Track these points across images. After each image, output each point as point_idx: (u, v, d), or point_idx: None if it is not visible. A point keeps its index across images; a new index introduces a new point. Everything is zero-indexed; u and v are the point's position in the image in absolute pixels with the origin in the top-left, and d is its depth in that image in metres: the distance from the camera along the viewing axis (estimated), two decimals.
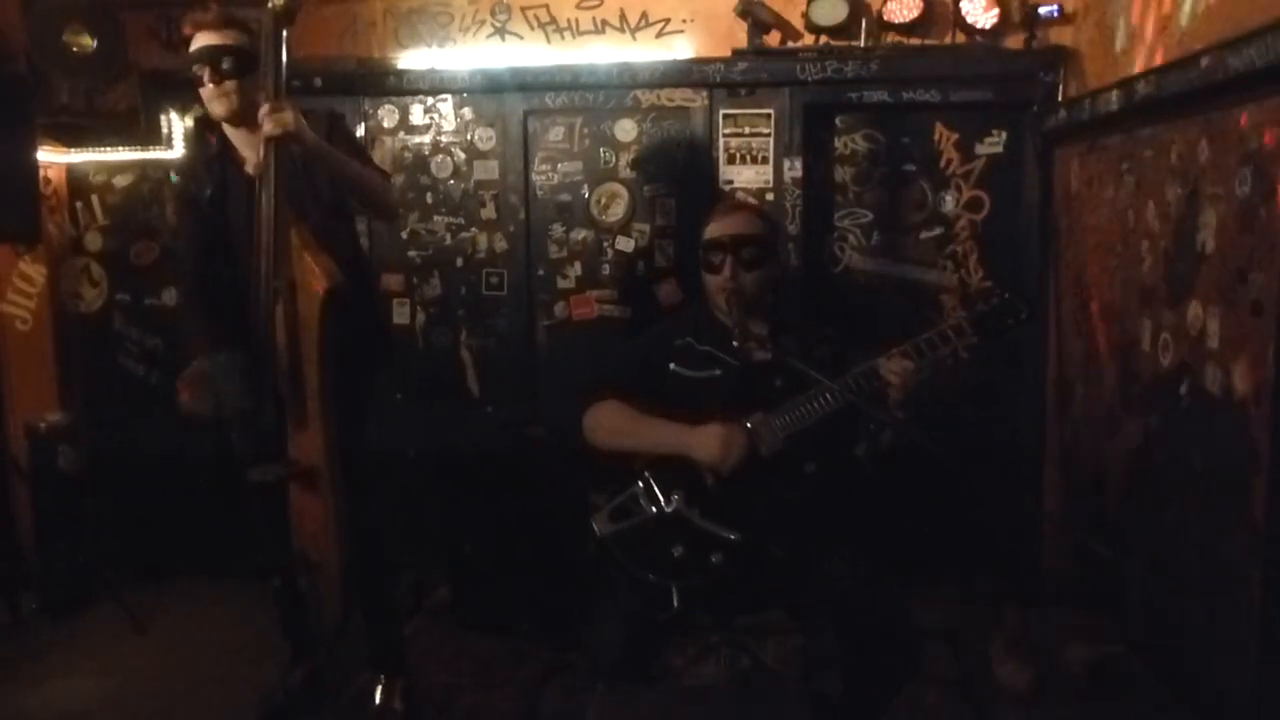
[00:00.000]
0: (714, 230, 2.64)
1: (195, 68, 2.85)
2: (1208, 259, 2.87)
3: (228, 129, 2.95)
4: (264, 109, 2.68)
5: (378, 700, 3.18)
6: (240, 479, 3.05)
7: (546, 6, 4.30)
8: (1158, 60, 3.05)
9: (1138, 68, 3.22)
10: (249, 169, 2.89)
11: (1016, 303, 2.40)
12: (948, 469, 2.28)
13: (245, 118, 2.87)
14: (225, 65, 2.82)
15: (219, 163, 2.96)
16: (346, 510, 2.83)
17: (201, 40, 2.85)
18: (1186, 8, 2.98)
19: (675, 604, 2.43)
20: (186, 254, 3.05)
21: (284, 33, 2.72)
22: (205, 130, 3.03)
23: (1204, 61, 2.65)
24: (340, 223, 3.00)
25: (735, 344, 2.52)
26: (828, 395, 2.38)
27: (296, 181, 2.81)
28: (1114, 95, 3.31)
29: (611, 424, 2.58)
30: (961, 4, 3.96)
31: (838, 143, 4.33)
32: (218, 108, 2.87)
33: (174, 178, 3.12)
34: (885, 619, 2.37)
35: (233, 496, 3.21)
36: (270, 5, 2.68)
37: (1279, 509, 2.56)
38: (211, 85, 2.84)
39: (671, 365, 2.62)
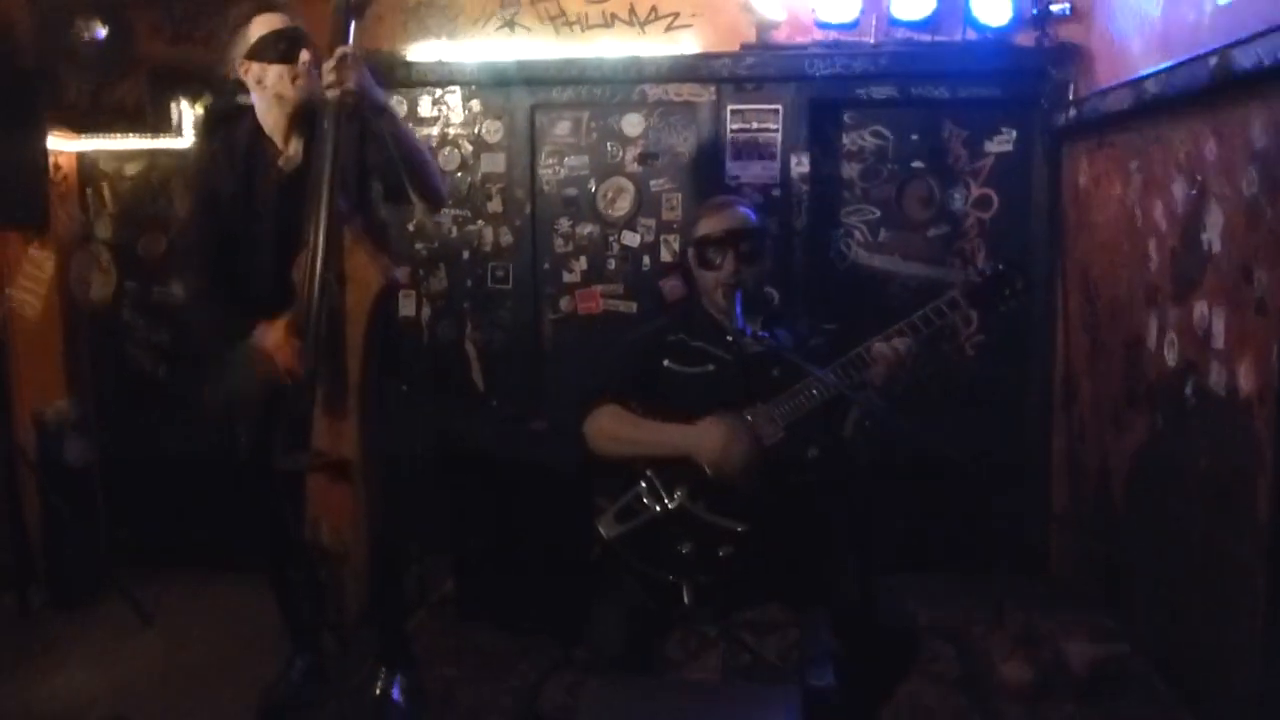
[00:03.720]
0: (710, 226, 2.64)
1: (258, 55, 2.81)
2: (1214, 258, 2.86)
3: (267, 116, 2.90)
4: (329, 64, 2.64)
5: (378, 692, 3.19)
6: (249, 474, 3.06)
7: (556, 0, 4.29)
8: (1167, 59, 3.04)
9: (1148, 66, 3.20)
10: (282, 163, 2.88)
11: (1012, 273, 2.37)
12: (949, 461, 2.28)
13: (297, 108, 2.86)
14: (296, 45, 2.80)
15: (246, 157, 2.92)
16: (379, 503, 2.84)
17: (273, 23, 2.82)
18: (1197, 6, 2.97)
19: (687, 600, 2.43)
20: (197, 248, 3.01)
21: (351, 30, 2.71)
22: (231, 122, 3.00)
23: (1212, 61, 2.64)
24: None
25: (729, 338, 2.52)
26: (824, 383, 2.38)
27: (347, 173, 2.79)
28: (1123, 93, 3.31)
29: (612, 431, 2.57)
30: (972, 0, 3.95)
31: (845, 139, 4.32)
32: (300, 87, 2.81)
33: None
34: (883, 613, 2.37)
35: (239, 493, 3.22)
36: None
37: None
38: (288, 66, 2.80)
39: (665, 362, 2.62)
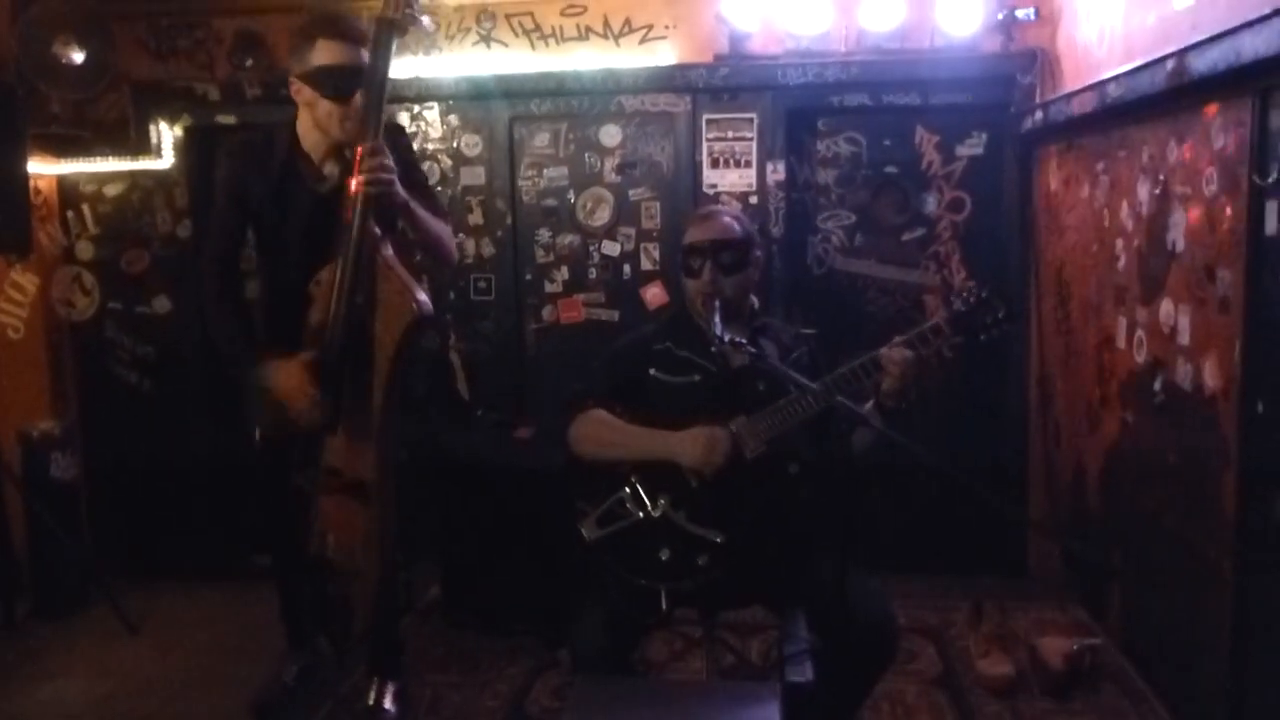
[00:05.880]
0: (694, 235, 2.68)
1: (314, 82, 2.79)
2: (1178, 257, 2.92)
3: (308, 136, 2.90)
4: (363, 157, 2.65)
5: (370, 700, 3.22)
6: (265, 481, 3.09)
7: (531, 14, 4.34)
8: (1129, 62, 3.10)
9: (1111, 69, 3.27)
10: (316, 184, 2.89)
11: (994, 301, 2.37)
12: (929, 468, 2.31)
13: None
14: (354, 84, 2.76)
15: (282, 169, 2.91)
16: (392, 525, 2.86)
17: (336, 55, 2.77)
18: (1157, 10, 3.04)
19: (664, 606, 2.47)
20: (216, 248, 2.99)
21: (393, 48, 2.73)
22: (269, 135, 2.97)
23: (1169, 64, 2.70)
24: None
25: (713, 349, 2.55)
26: (809, 398, 2.41)
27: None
28: (1087, 97, 3.36)
29: (597, 435, 2.60)
30: (940, 8, 4.01)
31: (820, 146, 4.38)
32: (348, 128, 2.79)
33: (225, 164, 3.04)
34: (861, 611, 2.41)
35: (253, 501, 3.26)
36: (385, 13, 2.69)
37: (1249, 502, 2.60)
38: (339, 106, 2.78)
39: (651, 371, 2.65)
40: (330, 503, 2.87)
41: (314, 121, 2.86)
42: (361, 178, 2.66)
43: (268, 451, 3.03)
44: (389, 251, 2.78)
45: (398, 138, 2.98)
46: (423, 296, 2.80)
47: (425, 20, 2.90)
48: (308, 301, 2.82)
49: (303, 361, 2.78)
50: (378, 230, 2.76)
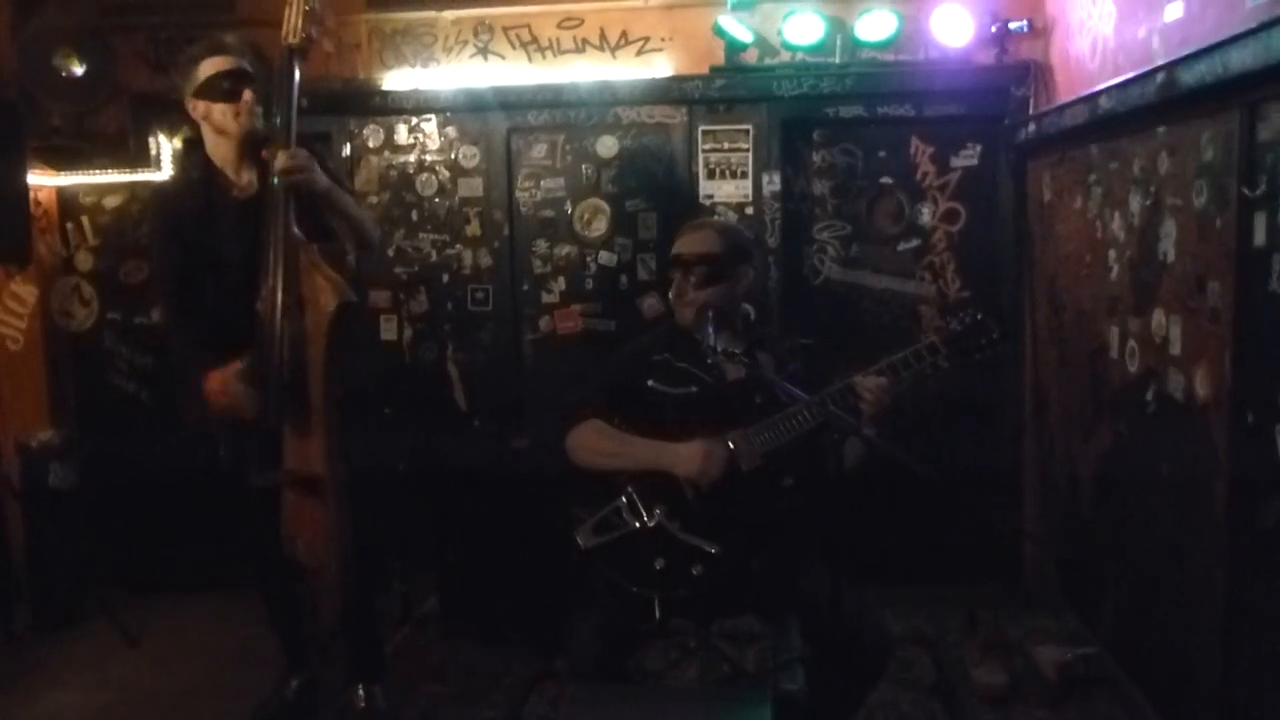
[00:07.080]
0: (675, 247, 2.71)
1: (205, 94, 2.96)
2: (1169, 268, 2.94)
3: (216, 150, 3.03)
4: (280, 156, 2.80)
5: (360, 704, 3.23)
6: (232, 490, 3.11)
7: (528, 26, 4.37)
8: (1121, 74, 3.13)
9: (1103, 82, 3.29)
10: (237, 193, 3.00)
11: (989, 322, 2.40)
12: (926, 482, 2.33)
13: (243, 140, 3.00)
14: (239, 84, 2.95)
15: (204, 184, 3.04)
16: (348, 517, 2.90)
17: (219, 64, 2.97)
18: (1147, 23, 3.06)
19: (657, 615, 2.49)
20: (167, 275, 3.12)
21: (296, 69, 2.88)
22: (190, 152, 3.12)
23: (1159, 77, 2.73)
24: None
25: (709, 361, 2.57)
26: (805, 412, 2.43)
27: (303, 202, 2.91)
28: (1079, 109, 3.39)
29: (594, 444, 2.62)
30: (934, 20, 4.04)
31: (815, 157, 4.40)
32: (243, 122, 2.96)
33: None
34: (852, 627, 2.43)
35: (224, 510, 3.26)
36: (285, 41, 2.85)
37: (1239, 510, 2.62)
38: (230, 105, 2.95)
39: (649, 382, 2.66)
40: (293, 503, 2.92)
41: (215, 129, 3.02)
42: (281, 166, 2.81)
43: (234, 461, 3.07)
44: (312, 252, 2.88)
45: (311, 146, 3.09)
46: (346, 287, 2.89)
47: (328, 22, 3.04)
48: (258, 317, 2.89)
49: (234, 369, 2.90)
50: (299, 233, 2.87)
